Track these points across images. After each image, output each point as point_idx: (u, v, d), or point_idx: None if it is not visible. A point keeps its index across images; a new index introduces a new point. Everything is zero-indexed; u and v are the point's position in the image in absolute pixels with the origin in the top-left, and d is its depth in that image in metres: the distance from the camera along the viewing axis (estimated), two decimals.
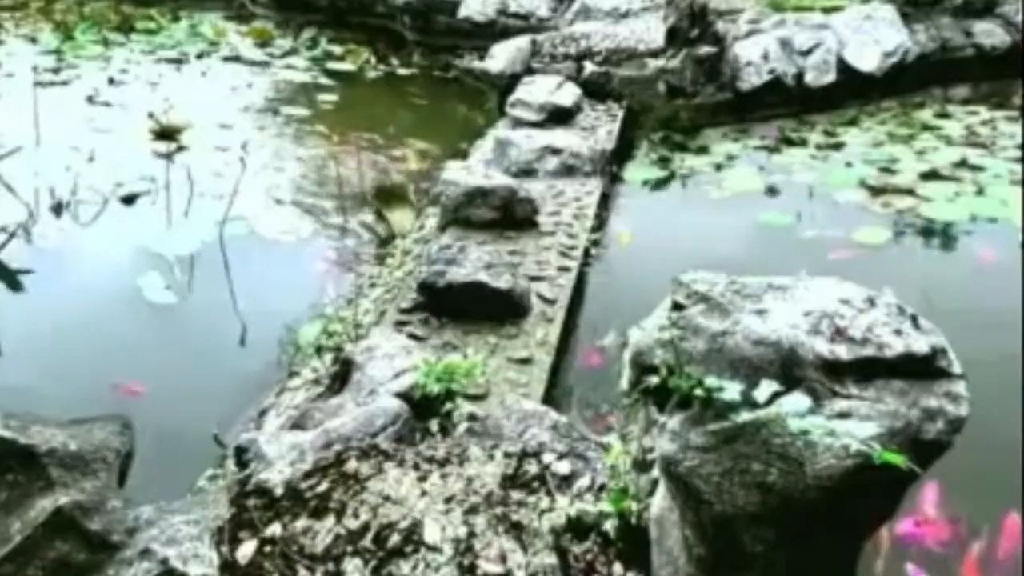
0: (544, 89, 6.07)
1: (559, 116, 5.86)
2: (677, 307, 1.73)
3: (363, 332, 3.29)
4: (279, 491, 2.04)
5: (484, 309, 3.38)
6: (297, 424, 2.61)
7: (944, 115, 6.52)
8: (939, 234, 4.75)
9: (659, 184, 5.51)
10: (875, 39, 6.77)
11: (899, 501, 1.67)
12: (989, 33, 7.30)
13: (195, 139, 6.06)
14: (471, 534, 1.93)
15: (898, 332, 1.61)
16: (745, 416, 1.54)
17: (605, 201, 4.95)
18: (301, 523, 1.95)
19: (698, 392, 1.58)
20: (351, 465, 2.11)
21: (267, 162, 5.86)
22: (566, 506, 2.03)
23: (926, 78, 6.98)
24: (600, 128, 5.85)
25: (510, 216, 4.30)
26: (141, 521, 1.94)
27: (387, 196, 5.19)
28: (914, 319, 1.66)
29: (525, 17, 8.43)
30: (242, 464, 2.29)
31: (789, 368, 1.58)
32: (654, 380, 1.69)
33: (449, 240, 4.06)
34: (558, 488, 2.11)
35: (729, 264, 1.94)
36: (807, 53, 6.62)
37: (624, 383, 1.83)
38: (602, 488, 2.11)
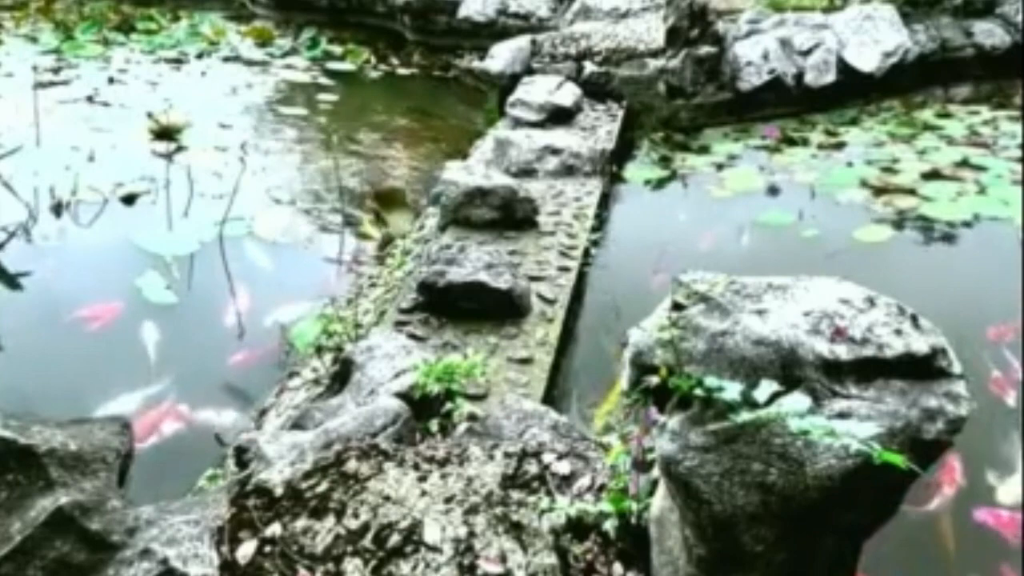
0: (544, 89, 6.07)
1: (559, 116, 5.87)
2: (677, 307, 1.72)
3: (363, 332, 3.29)
4: (279, 491, 2.04)
5: (484, 309, 3.38)
6: (297, 424, 2.61)
7: (945, 115, 6.52)
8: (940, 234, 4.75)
9: (660, 184, 5.51)
10: (875, 39, 6.77)
11: (899, 501, 1.67)
12: (989, 33, 7.30)
13: (195, 139, 6.07)
14: (471, 534, 1.92)
15: (898, 332, 1.61)
16: (745, 416, 1.53)
17: (605, 201, 4.96)
18: (301, 523, 1.95)
19: (698, 392, 1.58)
20: (351, 465, 2.10)
21: (266, 162, 5.86)
22: (566, 506, 2.03)
23: (926, 78, 6.98)
24: (600, 128, 5.85)
25: (510, 216, 4.30)
26: (141, 521, 1.93)
27: (386, 197, 5.19)
28: (914, 319, 1.65)
29: (525, 17, 8.44)
30: (242, 464, 2.29)
31: (789, 368, 1.58)
32: (654, 380, 1.68)
33: (449, 240, 4.06)
34: (558, 488, 2.11)
35: (729, 264, 1.93)
36: (807, 53, 6.62)
37: (624, 383, 1.83)
38: (602, 488, 2.11)
